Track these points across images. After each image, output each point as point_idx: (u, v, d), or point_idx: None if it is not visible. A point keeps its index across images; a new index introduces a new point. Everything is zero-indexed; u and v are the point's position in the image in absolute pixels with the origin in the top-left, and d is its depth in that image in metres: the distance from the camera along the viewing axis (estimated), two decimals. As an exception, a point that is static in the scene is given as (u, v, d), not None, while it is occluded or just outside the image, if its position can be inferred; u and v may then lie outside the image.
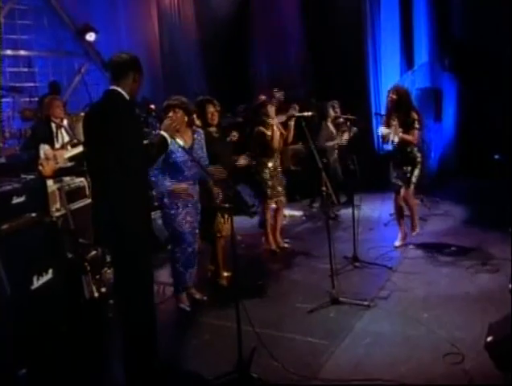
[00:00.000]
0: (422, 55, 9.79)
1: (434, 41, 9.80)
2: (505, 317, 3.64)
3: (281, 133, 5.97)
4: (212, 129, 5.11)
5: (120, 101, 3.28)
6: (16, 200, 3.76)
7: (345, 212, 7.43)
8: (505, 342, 3.33)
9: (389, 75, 9.72)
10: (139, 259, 3.31)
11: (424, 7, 9.75)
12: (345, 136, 7.43)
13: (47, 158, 4.79)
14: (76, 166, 4.88)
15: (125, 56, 3.38)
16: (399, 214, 6.10)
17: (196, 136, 4.65)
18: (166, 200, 4.50)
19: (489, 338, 3.38)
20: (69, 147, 5.25)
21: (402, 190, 5.87)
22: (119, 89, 3.28)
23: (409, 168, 5.81)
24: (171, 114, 4.31)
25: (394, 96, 5.74)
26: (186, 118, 4.50)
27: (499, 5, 8.97)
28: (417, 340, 3.89)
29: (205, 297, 4.84)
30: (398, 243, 6.01)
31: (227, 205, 3.95)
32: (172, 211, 4.51)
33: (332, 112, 7.73)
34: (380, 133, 5.96)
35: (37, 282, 3.79)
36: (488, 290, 4.65)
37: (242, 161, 5.65)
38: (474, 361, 3.48)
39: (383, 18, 9.78)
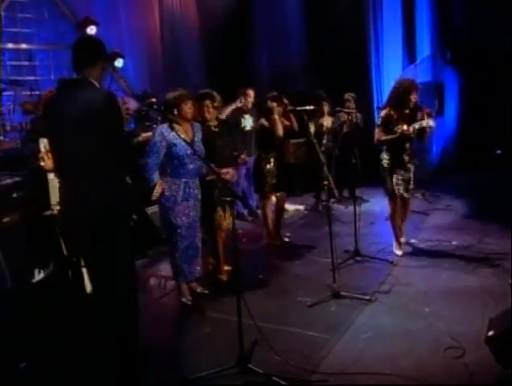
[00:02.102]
0: (424, 48, 9.79)
1: (436, 35, 9.78)
2: (505, 311, 3.64)
3: (285, 126, 5.95)
4: (212, 124, 5.08)
5: (99, 92, 3.14)
6: (16, 194, 3.76)
7: (346, 207, 7.46)
8: (506, 337, 3.33)
9: (391, 68, 9.70)
10: (116, 257, 3.29)
11: (426, 1, 9.73)
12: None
13: (47, 152, 4.78)
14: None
15: (92, 42, 3.27)
16: (398, 221, 5.67)
17: (194, 129, 4.65)
18: (165, 193, 4.48)
19: (490, 333, 3.38)
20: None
21: (404, 198, 5.54)
22: (90, 79, 3.15)
23: (412, 168, 5.49)
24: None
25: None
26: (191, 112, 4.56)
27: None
28: (418, 334, 3.89)
29: (206, 291, 4.83)
30: (400, 252, 5.61)
31: (228, 198, 3.94)
32: (169, 204, 4.49)
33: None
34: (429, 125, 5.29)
35: (38, 275, 3.80)
36: (488, 284, 4.65)
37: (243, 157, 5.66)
38: (475, 355, 3.48)
39: (385, 11, 9.77)
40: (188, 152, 4.42)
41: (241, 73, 9.11)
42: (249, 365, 3.47)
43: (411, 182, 5.52)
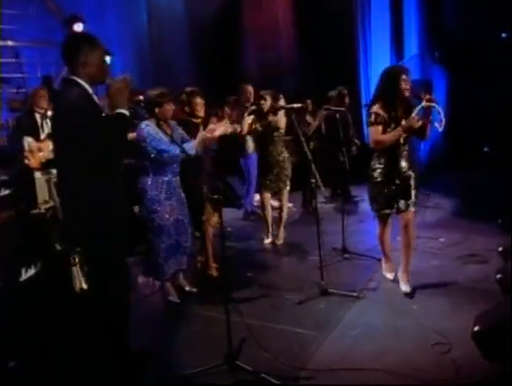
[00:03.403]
0: (412, 46, 9.85)
1: (424, 33, 9.84)
2: (492, 307, 3.68)
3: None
4: (198, 121, 5.05)
5: (70, 94, 3.03)
6: (4, 192, 3.73)
7: (335, 205, 7.49)
8: (492, 332, 3.36)
9: (379, 66, 9.70)
10: (108, 257, 3.25)
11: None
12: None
13: (31, 150, 4.76)
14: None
15: (69, 39, 3.14)
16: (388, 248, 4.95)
17: (172, 127, 4.59)
18: (147, 193, 4.42)
19: (476, 328, 3.40)
20: (54, 138, 5.20)
21: (405, 214, 4.57)
22: (74, 77, 3.05)
23: (412, 175, 4.59)
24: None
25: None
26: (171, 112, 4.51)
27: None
28: (405, 330, 3.92)
29: (195, 289, 4.83)
30: (392, 275, 4.90)
31: (216, 196, 3.93)
32: (154, 206, 4.41)
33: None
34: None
35: (25, 274, 3.78)
36: (476, 281, 4.69)
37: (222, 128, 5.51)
38: (461, 350, 3.51)
39: (373, 9, 9.84)
40: (177, 149, 4.36)
41: (229, 71, 9.11)
42: (238, 362, 3.47)
43: (412, 193, 4.53)
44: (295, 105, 5.24)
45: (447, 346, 3.61)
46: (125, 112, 3.04)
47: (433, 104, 4.39)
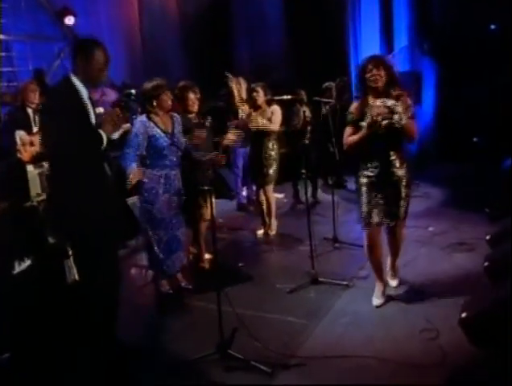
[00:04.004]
0: (402, 38, 9.88)
1: (413, 25, 9.88)
2: (478, 294, 3.75)
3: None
4: (191, 116, 5.07)
5: (58, 90, 3.25)
6: (-4, 186, 3.76)
7: (325, 195, 7.54)
8: (479, 319, 3.44)
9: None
10: (96, 248, 3.33)
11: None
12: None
13: (23, 144, 4.78)
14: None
15: (78, 41, 3.37)
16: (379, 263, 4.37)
17: (174, 120, 4.60)
18: (145, 185, 4.44)
19: (463, 315, 3.47)
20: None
21: (392, 227, 4.25)
22: (72, 76, 3.23)
23: (402, 181, 4.10)
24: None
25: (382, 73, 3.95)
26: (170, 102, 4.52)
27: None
28: (394, 317, 3.99)
29: (190, 286, 4.80)
30: (379, 301, 4.28)
31: (206, 188, 3.97)
32: (151, 198, 4.43)
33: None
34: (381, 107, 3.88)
35: (19, 267, 3.81)
36: (463, 268, 4.76)
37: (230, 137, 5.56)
38: (448, 336, 3.58)
39: (363, 1, 9.84)
40: (167, 144, 4.40)
41: (220, 63, 9.10)
42: (230, 351, 3.53)
43: (401, 203, 4.12)
44: (285, 97, 5.28)
45: (434, 332, 3.68)
46: (105, 136, 3.33)
47: (395, 103, 3.86)
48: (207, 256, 5.27)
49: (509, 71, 8.54)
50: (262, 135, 5.94)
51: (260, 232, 6.30)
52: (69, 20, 7.78)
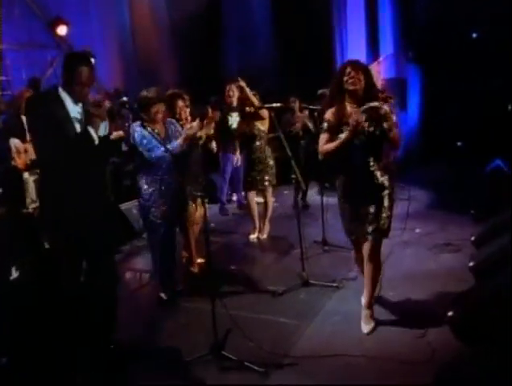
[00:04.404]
0: (387, 46, 10.06)
1: (399, 33, 10.07)
2: (464, 293, 3.88)
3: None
4: (182, 123, 5.03)
5: (43, 97, 3.38)
6: (-7, 192, 3.83)
7: (316, 198, 7.63)
8: (465, 316, 3.56)
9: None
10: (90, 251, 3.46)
11: (389, 0, 10.01)
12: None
13: (17, 152, 4.85)
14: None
15: (67, 55, 3.44)
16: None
17: (167, 126, 4.63)
18: (142, 191, 4.51)
19: (450, 313, 3.60)
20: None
21: (369, 243, 3.86)
22: (60, 89, 3.33)
23: (385, 195, 3.81)
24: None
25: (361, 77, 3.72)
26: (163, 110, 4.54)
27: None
28: (383, 317, 4.07)
29: (181, 288, 4.84)
30: (368, 328, 3.93)
31: (199, 193, 4.05)
32: (148, 204, 4.49)
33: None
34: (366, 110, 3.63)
35: (16, 272, 3.87)
36: (450, 269, 4.88)
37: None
38: (436, 334, 3.69)
39: (349, 10, 10.02)
40: (161, 150, 4.40)
41: (211, 71, 9.23)
42: (223, 352, 3.59)
43: (383, 215, 3.79)
44: (275, 105, 5.38)
45: (422, 330, 3.77)
46: (92, 132, 3.35)
47: (381, 105, 3.66)
48: (199, 260, 5.33)
49: (491, 78, 8.77)
50: (254, 139, 6.07)
51: (253, 236, 6.39)
52: (61, 30, 7.84)
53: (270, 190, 6.30)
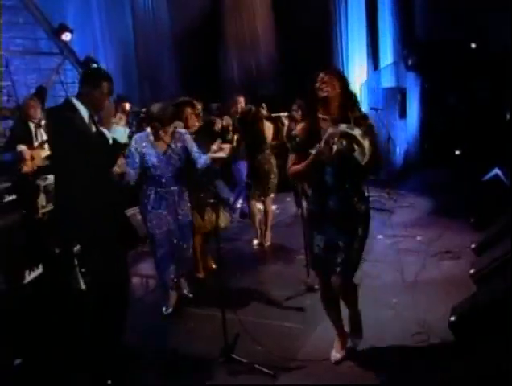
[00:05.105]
0: (387, 55, 10.19)
1: (398, 42, 10.21)
2: (466, 298, 3.97)
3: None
4: (192, 131, 5.03)
5: (61, 112, 3.50)
6: (8, 198, 3.91)
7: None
8: (466, 322, 3.66)
9: (356, 75, 10.08)
10: (104, 253, 3.53)
11: (389, 10, 10.15)
12: None
13: (24, 158, 4.94)
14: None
15: (90, 69, 3.60)
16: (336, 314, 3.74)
17: (176, 136, 4.53)
18: (141, 201, 4.56)
19: (452, 318, 3.70)
20: (46, 146, 5.33)
21: (339, 279, 3.42)
22: (74, 100, 3.47)
23: (358, 229, 3.39)
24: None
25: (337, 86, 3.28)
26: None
27: (459, 7, 9.44)
28: (387, 322, 4.15)
29: (191, 295, 4.87)
30: (338, 355, 3.68)
31: (213, 201, 4.11)
32: (144, 211, 4.55)
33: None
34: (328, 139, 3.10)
35: (29, 276, 3.95)
36: (451, 275, 4.97)
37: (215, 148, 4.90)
38: (439, 339, 3.76)
39: (350, 20, 10.16)
40: (157, 161, 4.41)
41: (212, 78, 9.32)
42: (233, 355, 3.69)
43: (355, 246, 3.36)
44: (282, 114, 5.47)
45: (425, 335, 3.85)
46: (106, 132, 3.62)
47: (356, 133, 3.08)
48: (203, 267, 5.36)
49: (490, 87, 8.92)
50: (258, 147, 6.17)
51: (256, 241, 6.48)
52: (66, 36, 7.97)
53: (270, 198, 6.39)
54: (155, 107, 4.45)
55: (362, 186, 3.46)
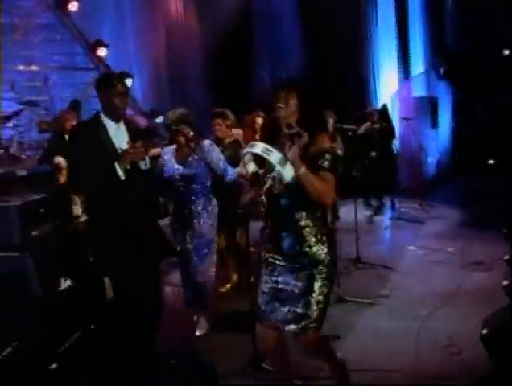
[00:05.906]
0: (418, 64, 10.15)
1: (429, 51, 10.16)
2: (498, 310, 3.91)
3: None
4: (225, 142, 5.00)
5: (86, 125, 3.61)
6: (44, 209, 4.03)
7: (350, 216, 7.72)
8: (499, 334, 3.61)
9: (387, 84, 10.05)
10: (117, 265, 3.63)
11: (419, 18, 10.12)
12: None
13: (60, 169, 5.09)
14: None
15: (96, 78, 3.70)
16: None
17: (198, 147, 4.26)
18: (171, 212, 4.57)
19: (484, 331, 3.64)
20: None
21: (304, 339, 2.90)
22: (101, 114, 3.55)
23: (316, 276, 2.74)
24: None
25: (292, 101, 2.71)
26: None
27: (491, 14, 9.35)
28: (416, 334, 4.11)
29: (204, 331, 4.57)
30: None
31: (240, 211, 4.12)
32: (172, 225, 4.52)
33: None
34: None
35: (64, 284, 4.07)
36: (482, 287, 4.92)
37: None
38: (470, 352, 3.71)
39: (380, 28, 10.16)
40: (173, 173, 4.27)
41: (243, 90, 9.42)
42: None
43: (314, 299, 2.76)
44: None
45: (456, 348, 3.82)
46: (118, 168, 3.47)
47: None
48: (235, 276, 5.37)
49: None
50: None
51: None
52: (102, 51, 8.21)
53: None
54: (171, 112, 4.37)
55: (323, 225, 2.81)
